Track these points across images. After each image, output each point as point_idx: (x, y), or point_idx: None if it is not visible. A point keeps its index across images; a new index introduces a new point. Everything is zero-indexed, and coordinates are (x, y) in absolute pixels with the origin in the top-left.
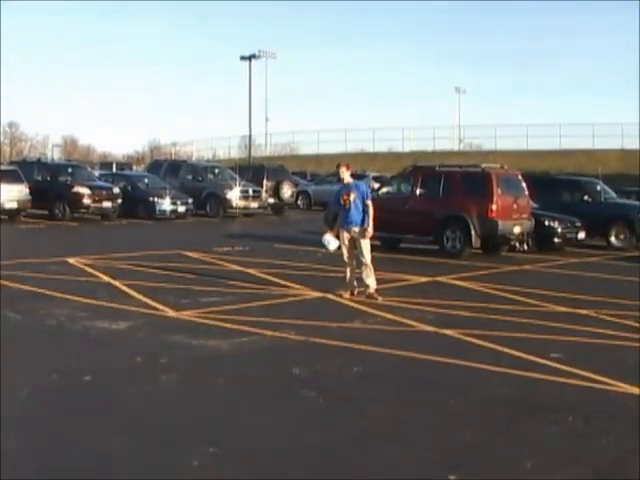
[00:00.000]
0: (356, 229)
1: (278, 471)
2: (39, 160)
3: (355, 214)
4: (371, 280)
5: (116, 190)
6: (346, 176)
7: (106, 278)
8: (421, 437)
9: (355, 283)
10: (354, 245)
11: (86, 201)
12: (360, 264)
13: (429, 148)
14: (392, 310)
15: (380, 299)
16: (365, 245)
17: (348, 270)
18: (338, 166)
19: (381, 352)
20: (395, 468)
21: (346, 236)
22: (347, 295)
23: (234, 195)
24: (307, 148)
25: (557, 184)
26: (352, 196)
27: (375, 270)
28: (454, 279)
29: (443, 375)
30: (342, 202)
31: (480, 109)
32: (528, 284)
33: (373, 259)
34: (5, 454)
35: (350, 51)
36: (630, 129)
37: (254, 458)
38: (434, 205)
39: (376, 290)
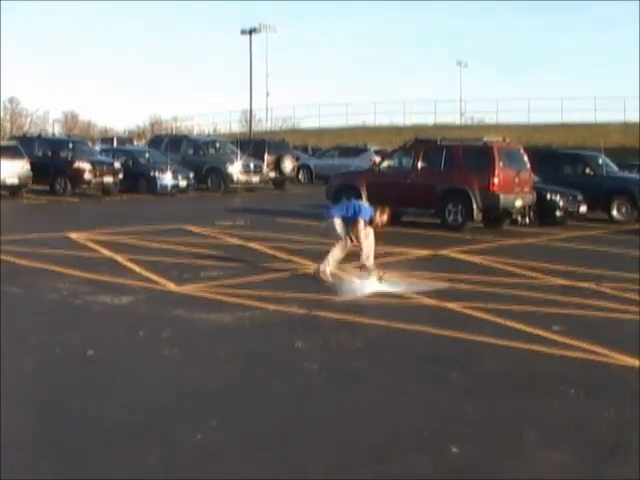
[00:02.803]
0: None
1: (280, 443)
2: (40, 136)
3: None
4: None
5: (117, 165)
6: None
7: (108, 253)
8: (423, 409)
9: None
10: None
11: (87, 176)
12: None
13: (430, 122)
14: (394, 283)
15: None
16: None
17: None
18: (383, 213)
19: (383, 325)
20: (397, 439)
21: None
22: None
23: (235, 169)
24: (308, 122)
25: (559, 158)
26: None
27: (376, 244)
28: (456, 252)
29: (444, 348)
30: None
31: (482, 83)
32: (530, 257)
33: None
34: (6, 426)
35: (351, 24)
36: (632, 102)
37: (257, 431)
38: (436, 179)
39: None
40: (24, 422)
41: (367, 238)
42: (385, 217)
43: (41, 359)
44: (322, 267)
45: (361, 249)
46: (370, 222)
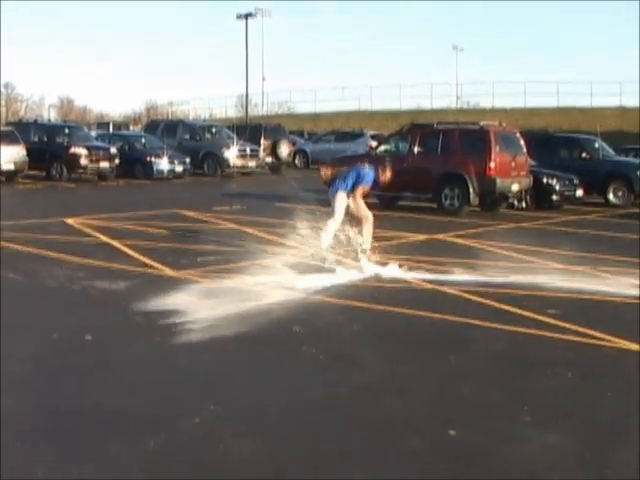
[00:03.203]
0: None
1: (279, 427)
2: (36, 121)
3: None
4: None
5: (113, 150)
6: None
7: (105, 238)
8: (420, 392)
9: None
10: None
11: (83, 162)
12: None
13: (427, 106)
14: (391, 267)
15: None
16: None
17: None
18: (386, 178)
19: (380, 309)
20: (395, 423)
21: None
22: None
23: (232, 154)
24: (304, 107)
25: (555, 142)
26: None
27: (374, 228)
28: (452, 237)
29: (441, 331)
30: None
31: (477, 67)
32: (526, 241)
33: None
34: (5, 412)
35: (347, 8)
36: (629, 86)
37: (255, 415)
38: (432, 163)
39: None
40: (22, 407)
41: (367, 223)
42: (388, 173)
43: (39, 344)
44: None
45: (359, 223)
46: (374, 185)
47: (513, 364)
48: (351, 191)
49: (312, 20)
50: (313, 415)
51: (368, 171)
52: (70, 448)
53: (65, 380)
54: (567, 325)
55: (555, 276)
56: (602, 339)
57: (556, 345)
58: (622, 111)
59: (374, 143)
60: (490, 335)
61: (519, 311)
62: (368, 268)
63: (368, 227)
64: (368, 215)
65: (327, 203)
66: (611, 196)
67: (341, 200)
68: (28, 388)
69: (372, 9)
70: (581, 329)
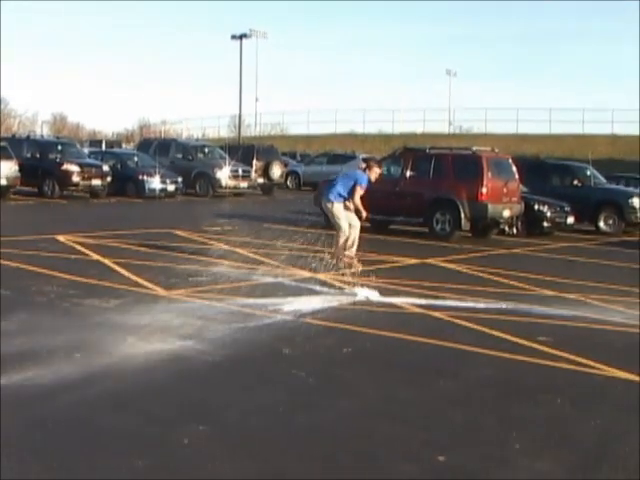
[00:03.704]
0: None
1: (267, 449)
2: (28, 137)
3: None
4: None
5: (106, 168)
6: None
7: (96, 256)
8: (410, 418)
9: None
10: None
11: (75, 179)
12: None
13: (419, 130)
14: (381, 291)
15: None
16: None
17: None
18: (372, 167)
19: (370, 333)
20: (384, 448)
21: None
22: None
23: (224, 174)
24: (297, 128)
25: (547, 168)
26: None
27: (365, 251)
28: (443, 261)
29: (431, 356)
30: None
31: (470, 92)
32: (517, 267)
33: (362, 239)
34: None
35: (341, 31)
36: (620, 115)
37: (244, 436)
38: (424, 187)
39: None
40: (14, 426)
41: (354, 228)
42: (377, 170)
43: (27, 360)
44: (334, 258)
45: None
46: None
47: (503, 391)
48: (347, 199)
49: (306, 43)
50: (301, 438)
51: (359, 173)
52: (59, 464)
53: (53, 397)
54: (558, 352)
55: (546, 303)
56: (593, 367)
57: (547, 372)
58: (614, 139)
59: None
60: (480, 361)
61: (510, 337)
62: (361, 291)
63: (354, 233)
64: (356, 224)
65: (317, 224)
66: (602, 224)
67: (340, 211)
68: (17, 406)
69: (366, 32)
70: (572, 357)
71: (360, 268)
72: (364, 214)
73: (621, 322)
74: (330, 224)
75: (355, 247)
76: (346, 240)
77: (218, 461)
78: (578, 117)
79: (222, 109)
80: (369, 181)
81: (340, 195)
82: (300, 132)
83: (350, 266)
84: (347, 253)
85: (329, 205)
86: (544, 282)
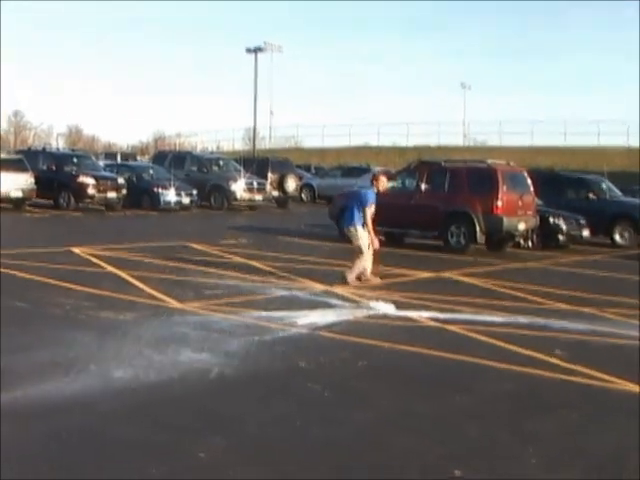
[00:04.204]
0: None
1: (283, 461)
2: (44, 149)
3: None
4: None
5: (121, 180)
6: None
7: (111, 268)
8: (426, 431)
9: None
10: None
11: (91, 191)
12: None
13: (433, 143)
14: (397, 305)
15: (378, 279)
16: None
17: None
18: (379, 177)
19: (385, 346)
20: (399, 461)
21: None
22: (355, 281)
23: (239, 187)
24: (311, 141)
25: (562, 181)
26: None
27: (380, 265)
28: (458, 275)
29: (447, 370)
30: (369, 210)
31: (485, 105)
32: (532, 281)
33: (377, 252)
34: (5, 442)
35: (356, 45)
36: (636, 127)
37: (259, 448)
38: (439, 200)
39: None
40: (22, 438)
41: (369, 248)
42: (383, 179)
43: (41, 372)
44: (349, 277)
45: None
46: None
47: (519, 405)
48: (362, 219)
49: (321, 56)
50: (317, 451)
51: (366, 192)
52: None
53: (69, 408)
54: (574, 366)
55: (561, 316)
56: (608, 381)
57: (562, 386)
58: (629, 151)
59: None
60: (496, 375)
61: (526, 351)
62: (377, 305)
63: (370, 252)
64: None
65: (332, 237)
66: (617, 237)
67: (361, 233)
68: (31, 417)
69: (381, 46)
70: (587, 370)
71: (378, 281)
72: (376, 243)
73: (637, 336)
74: (344, 237)
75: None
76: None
77: (234, 472)
78: (593, 129)
79: (237, 122)
80: (378, 193)
81: (358, 218)
82: (314, 145)
83: (368, 281)
84: (365, 277)
85: (351, 230)
86: (559, 295)
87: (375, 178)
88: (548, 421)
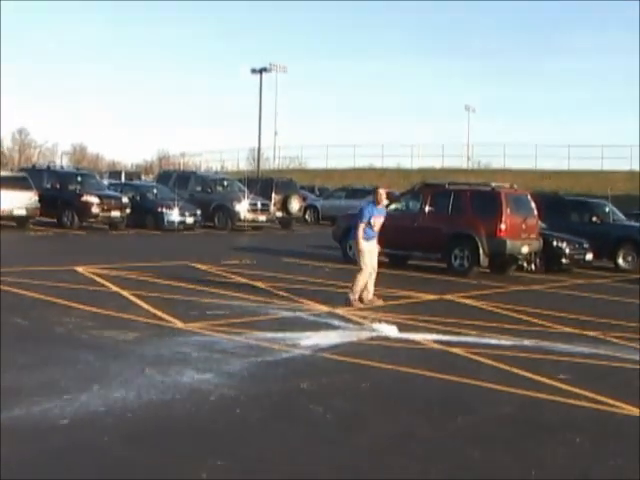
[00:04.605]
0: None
1: None
2: (49, 168)
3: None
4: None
5: (125, 200)
6: (384, 200)
7: (114, 288)
8: (427, 455)
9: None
10: None
11: (95, 210)
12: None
13: (437, 165)
14: (400, 327)
15: (381, 301)
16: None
17: (370, 280)
18: (377, 190)
19: (389, 369)
20: None
21: (373, 253)
22: (358, 303)
23: (242, 208)
24: (315, 162)
25: (566, 204)
26: (381, 220)
27: (383, 287)
28: (462, 297)
29: (450, 393)
30: (373, 224)
31: (489, 128)
32: (535, 304)
33: (379, 275)
34: (6, 464)
35: (360, 67)
36: (639, 151)
37: (261, 470)
38: (443, 223)
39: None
40: (26, 458)
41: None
42: (381, 192)
43: (45, 390)
44: (352, 297)
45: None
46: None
47: (522, 428)
48: (366, 233)
49: (325, 77)
50: (317, 474)
51: (364, 206)
52: None
53: (71, 428)
54: (578, 390)
55: (566, 340)
56: (612, 405)
57: (566, 410)
58: (632, 175)
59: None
60: (499, 398)
61: (530, 374)
62: (379, 327)
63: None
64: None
65: (335, 259)
66: (621, 261)
67: (361, 248)
68: (33, 435)
69: (385, 67)
70: (592, 394)
71: (380, 303)
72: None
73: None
74: (348, 258)
75: (371, 287)
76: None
77: None
78: (597, 153)
79: (241, 142)
80: (376, 209)
81: (357, 233)
82: (319, 166)
83: (370, 302)
84: (364, 295)
85: (352, 244)
86: (563, 319)
87: (374, 192)
88: (552, 445)
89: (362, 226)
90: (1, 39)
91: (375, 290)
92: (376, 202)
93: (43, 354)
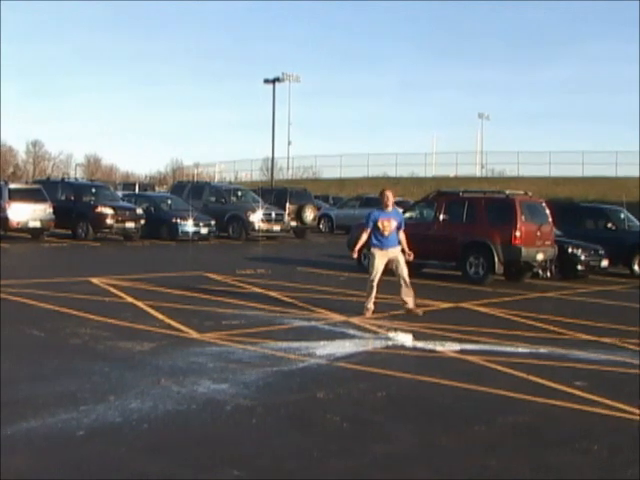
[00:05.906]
0: (395, 250)
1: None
2: (63, 180)
3: (393, 238)
4: (411, 297)
5: (139, 211)
6: (391, 203)
7: (129, 299)
8: (444, 464)
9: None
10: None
11: (109, 221)
12: (401, 282)
13: (451, 174)
14: (415, 335)
15: (420, 311)
16: (404, 264)
17: (374, 291)
18: (383, 192)
19: (405, 377)
20: None
21: (383, 258)
22: (369, 314)
23: (257, 218)
24: (329, 172)
25: (580, 211)
26: (393, 223)
27: (399, 295)
28: (477, 305)
29: (466, 401)
30: (381, 227)
31: (503, 135)
32: (551, 311)
33: (394, 284)
34: (21, 476)
35: (373, 75)
36: None
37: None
38: (457, 231)
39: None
40: (42, 466)
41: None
42: (387, 193)
43: (62, 402)
44: (412, 300)
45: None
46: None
47: (539, 437)
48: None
49: (338, 87)
50: None
51: (371, 212)
52: None
53: (89, 439)
54: (594, 397)
55: (582, 347)
56: (629, 412)
57: (583, 418)
58: None
59: (400, 210)
60: (516, 406)
61: (546, 382)
62: (395, 336)
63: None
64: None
65: (350, 268)
66: (636, 267)
67: (372, 255)
68: (49, 448)
69: (399, 77)
70: (608, 402)
71: (419, 313)
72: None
73: None
74: (362, 267)
75: (410, 297)
76: (376, 285)
77: None
78: (611, 160)
79: (255, 152)
80: (382, 212)
81: (372, 240)
82: (333, 175)
83: (409, 313)
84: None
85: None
86: (579, 326)
87: (380, 193)
88: (569, 454)
89: (367, 231)
90: (16, 51)
91: (389, 298)
92: (383, 205)
93: (59, 365)
